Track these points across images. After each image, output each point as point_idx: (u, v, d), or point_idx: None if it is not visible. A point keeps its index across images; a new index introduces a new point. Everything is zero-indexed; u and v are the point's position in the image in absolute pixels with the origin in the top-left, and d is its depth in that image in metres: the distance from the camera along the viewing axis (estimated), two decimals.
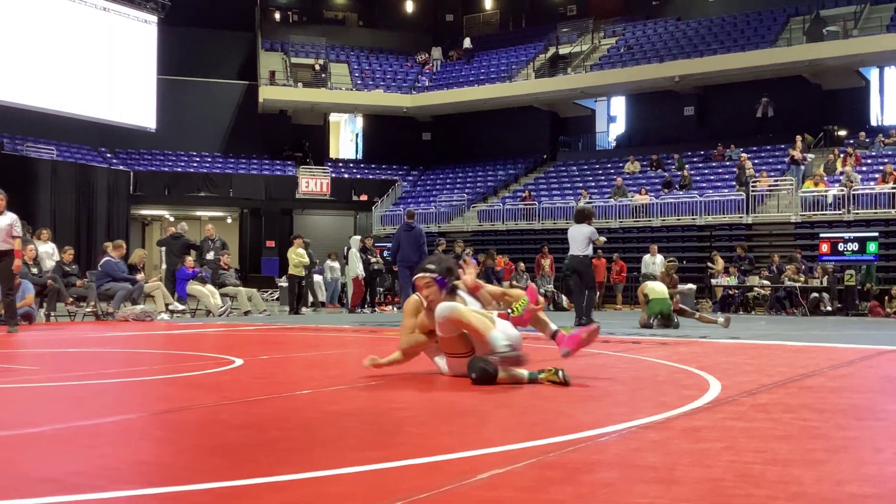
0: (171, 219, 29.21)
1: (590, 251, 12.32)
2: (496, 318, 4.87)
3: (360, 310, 18.28)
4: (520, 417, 3.71)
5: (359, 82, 33.03)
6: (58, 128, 26.95)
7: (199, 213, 30.66)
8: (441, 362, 5.08)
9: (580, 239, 12.18)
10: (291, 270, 16.91)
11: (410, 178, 33.05)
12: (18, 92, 24.41)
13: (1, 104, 24.44)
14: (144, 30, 28.16)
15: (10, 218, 10.08)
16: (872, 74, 27.63)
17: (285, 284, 18.99)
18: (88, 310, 13.34)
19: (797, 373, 5.54)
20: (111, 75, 26.88)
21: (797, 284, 18.20)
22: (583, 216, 12.57)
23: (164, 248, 16.39)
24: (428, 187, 31.95)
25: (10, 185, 22.87)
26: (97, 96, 26.42)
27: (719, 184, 24.63)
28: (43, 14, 25.07)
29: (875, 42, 24.82)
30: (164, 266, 16.32)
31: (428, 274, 5.05)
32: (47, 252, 13.88)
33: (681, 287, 19.90)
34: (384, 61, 35.04)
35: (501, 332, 4.67)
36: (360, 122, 35.41)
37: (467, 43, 35.45)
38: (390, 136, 33.92)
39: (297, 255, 16.81)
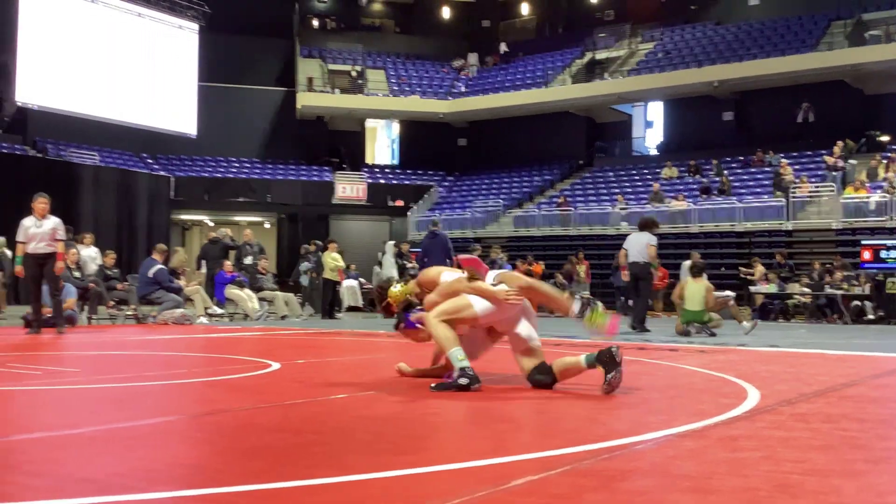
0: (211, 224, 29.57)
1: (648, 258, 12.21)
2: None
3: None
4: (555, 424, 3.71)
5: (395, 88, 33.18)
6: (101, 134, 27.43)
7: (237, 218, 31.00)
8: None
9: (641, 246, 12.17)
10: (326, 275, 16.98)
11: (446, 183, 33.10)
12: (63, 99, 24.94)
13: (46, 111, 25.00)
14: (186, 37, 28.59)
15: (54, 222, 10.28)
16: None
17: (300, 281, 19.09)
18: (129, 313, 13.55)
19: (838, 382, 5.46)
20: (153, 82, 27.34)
21: (839, 292, 17.89)
22: (645, 224, 12.49)
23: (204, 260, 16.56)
24: (464, 193, 31.96)
25: (54, 189, 23.28)
26: (140, 103, 26.87)
27: (759, 190, 24.31)
28: (88, 22, 25.58)
29: None
30: (203, 270, 16.50)
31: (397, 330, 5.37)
32: (90, 256, 14.12)
33: (718, 294, 19.72)
34: (420, 67, 35.18)
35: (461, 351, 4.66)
36: (396, 127, 35.55)
37: (503, 48, 35.44)
38: (426, 141, 33.98)
39: (333, 260, 16.89)
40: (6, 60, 25.40)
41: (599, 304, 4.87)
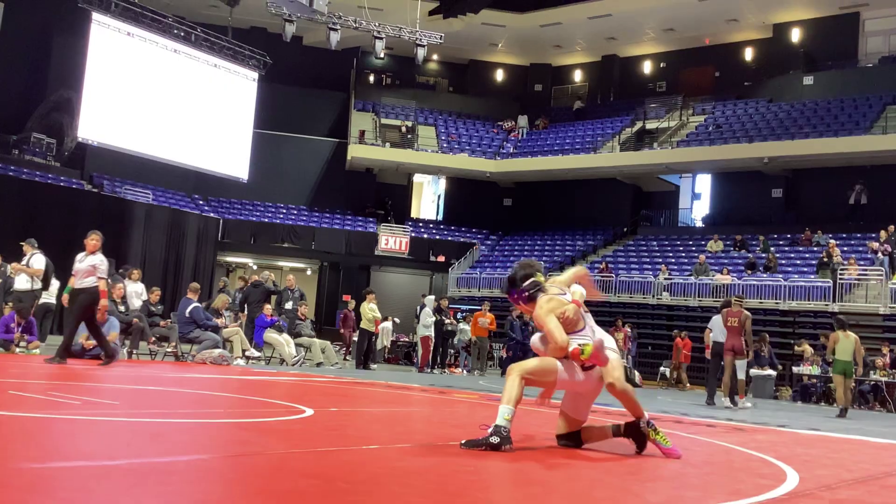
0: (255, 267, 29.95)
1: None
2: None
3: (429, 370, 18.30)
4: (587, 492, 3.66)
5: (444, 145, 33.59)
6: (155, 173, 28.12)
7: (280, 263, 31.36)
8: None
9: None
10: (363, 325, 17.05)
11: (489, 242, 33.20)
12: (122, 137, 25.67)
13: (105, 147, 25.71)
14: (246, 85, 29.39)
15: (98, 259, 10.42)
16: None
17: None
18: (169, 350, 13.70)
19: (880, 470, 5.31)
20: (210, 126, 28.06)
21: (883, 379, 17.47)
22: (729, 307, 13.78)
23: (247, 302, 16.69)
24: (506, 252, 32.00)
25: (107, 224, 24.04)
26: (195, 145, 27.56)
27: (805, 269, 23.97)
28: (151, 65, 26.44)
29: None
30: (245, 313, 16.64)
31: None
32: (136, 291, 14.33)
33: (759, 371, 19.38)
34: (471, 126, 35.61)
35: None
36: (443, 183, 35.89)
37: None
38: (472, 199, 34.23)
39: (370, 310, 16.97)
40: (71, 97, 26.34)
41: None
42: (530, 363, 4.86)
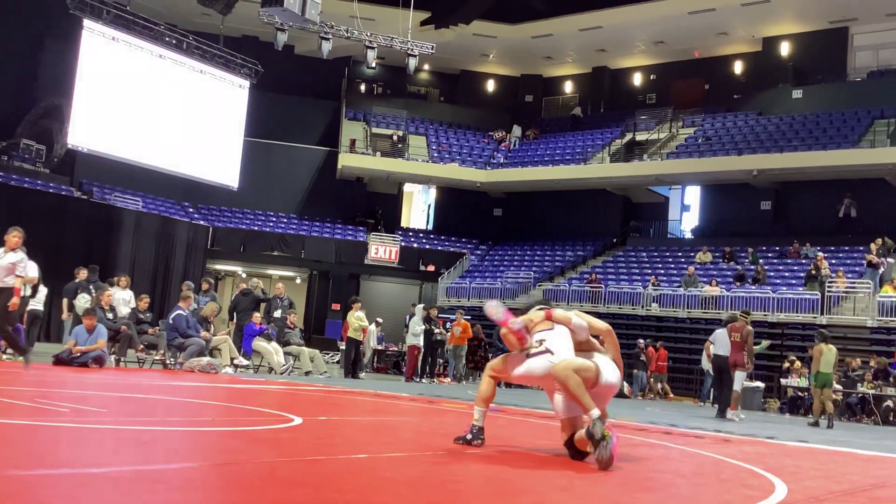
0: (244, 275, 29.85)
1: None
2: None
3: (417, 379, 18.26)
4: (577, 502, 3.66)
5: (435, 155, 33.63)
6: (145, 180, 28.00)
7: (270, 272, 31.27)
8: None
9: (727, 341, 13.74)
10: (351, 334, 16.99)
11: (479, 252, 33.21)
12: (112, 144, 25.53)
13: (95, 154, 25.61)
14: (237, 94, 29.33)
15: (18, 256, 9.83)
16: None
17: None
18: (157, 358, 13.63)
19: (867, 483, 5.33)
20: (201, 134, 27.97)
21: (871, 392, 17.55)
22: (734, 321, 14.05)
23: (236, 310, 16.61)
24: (495, 262, 32.02)
25: (96, 231, 24.07)
26: (186, 153, 27.45)
27: (794, 281, 24.06)
28: (143, 72, 26.34)
29: None
30: (234, 321, 16.58)
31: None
32: (124, 299, 14.28)
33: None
34: (462, 136, 35.66)
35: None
36: (433, 193, 35.91)
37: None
38: (462, 209, 34.26)
39: (357, 319, 16.92)
40: (61, 104, 26.24)
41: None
42: (495, 360, 5.51)
